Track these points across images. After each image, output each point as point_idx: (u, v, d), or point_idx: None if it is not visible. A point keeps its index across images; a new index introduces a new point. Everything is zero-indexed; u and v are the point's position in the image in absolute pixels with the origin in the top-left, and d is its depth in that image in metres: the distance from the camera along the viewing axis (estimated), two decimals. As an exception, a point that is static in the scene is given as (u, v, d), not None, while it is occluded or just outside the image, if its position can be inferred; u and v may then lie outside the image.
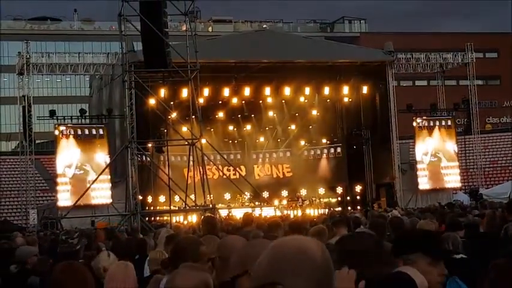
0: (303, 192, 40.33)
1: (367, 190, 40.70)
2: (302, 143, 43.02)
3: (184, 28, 33.91)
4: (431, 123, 38.58)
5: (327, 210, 34.44)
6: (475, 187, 40.10)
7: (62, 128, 33.73)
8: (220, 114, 40.11)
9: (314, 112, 41.50)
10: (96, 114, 36.59)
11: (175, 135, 31.31)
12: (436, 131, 38.46)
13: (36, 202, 37.01)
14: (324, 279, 2.13)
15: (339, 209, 36.63)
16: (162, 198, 34.76)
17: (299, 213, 34.30)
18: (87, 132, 33.93)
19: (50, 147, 41.61)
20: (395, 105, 37.88)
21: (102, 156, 33.40)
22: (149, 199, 34.98)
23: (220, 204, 33.91)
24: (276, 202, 37.20)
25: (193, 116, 28.37)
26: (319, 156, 43.16)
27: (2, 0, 64.74)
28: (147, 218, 28.57)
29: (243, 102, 39.73)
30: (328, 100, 40.91)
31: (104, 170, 30.75)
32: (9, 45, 59.69)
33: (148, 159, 33.92)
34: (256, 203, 33.49)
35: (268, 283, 2.10)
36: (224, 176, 34.25)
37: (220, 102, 38.88)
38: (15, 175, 42.17)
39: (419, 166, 38.09)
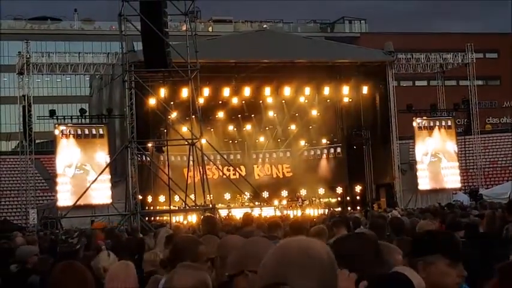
0: (303, 192, 40.33)
1: (367, 190, 40.70)
2: (302, 143, 43.02)
3: (184, 28, 33.90)
4: (431, 124, 38.58)
5: (326, 210, 34.47)
6: (475, 187, 40.10)
7: (62, 127, 33.73)
8: (220, 114, 40.11)
9: (314, 112, 41.49)
10: (96, 114, 36.59)
11: (175, 135, 31.29)
12: (436, 131, 38.45)
13: (36, 202, 37.01)
14: (329, 279, 2.15)
15: (339, 209, 36.67)
16: (162, 198, 34.76)
17: (299, 213, 34.30)
18: (87, 132, 33.93)
19: (50, 147, 41.60)
20: (396, 106, 37.88)
21: (102, 156, 33.40)
22: (149, 199, 34.97)
23: (220, 204, 33.89)
24: (276, 202, 37.17)
25: (193, 116, 28.37)
26: (319, 156, 43.17)
27: (2, 0, 64.82)
28: (147, 218, 28.55)
29: (243, 102, 39.73)
30: (328, 100, 40.91)
31: (103, 170, 30.73)
32: (9, 45, 59.68)
33: (148, 159, 33.91)
34: (256, 203, 33.46)
35: (275, 283, 2.11)
36: (224, 176, 34.24)
37: (220, 102, 38.87)
38: (15, 175, 42.19)
39: (419, 166, 38.09)
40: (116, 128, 35.30)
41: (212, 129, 39.69)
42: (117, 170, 33.37)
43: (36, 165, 39.81)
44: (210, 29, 66.60)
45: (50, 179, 38.92)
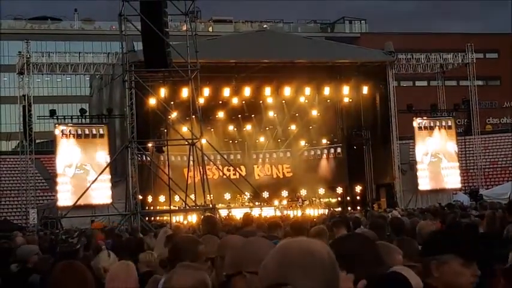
0: (303, 192, 40.33)
1: (367, 190, 40.70)
2: (302, 143, 43.03)
3: (184, 28, 33.90)
4: (432, 124, 38.57)
5: (326, 210, 34.46)
6: (475, 188, 40.09)
7: (62, 127, 33.73)
8: (221, 114, 40.10)
9: (314, 112, 41.48)
10: (96, 114, 36.59)
11: (176, 135, 31.29)
12: (436, 131, 38.45)
13: (36, 202, 37.00)
14: (331, 279, 2.16)
15: (339, 209, 36.68)
16: (162, 198, 34.76)
17: (299, 213, 34.30)
18: (87, 131, 33.92)
19: (50, 146, 41.58)
20: (396, 106, 37.88)
21: (102, 156, 33.39)
22: (149, 199, 34.97)
23: (220, 204, 33.90)
24: (276, 202, 37.18)
25: (194, 116, 28.37)
26: (319, 156, 43.17)
27: (3, 0, 64.83)
28: (147, 218, 28.55)
29: (243, 102, 39.73)
30: (328, 100, 40.91)
31: (104, 170, 30.73)
32: (9, 45, 59.68)
33: (149, 159, 33.91)
34: (256, 203, 33.46)
35: (277, 284, 2.11)
36: (224, 176, 34.24)
37: (220, 102, 38.87)
38: (15, 175, 42.18)
39: (419, 166, 38.08)
40: (116, 128, 35.30)
41: (212, 129, 39.69)
42: (117, 170, 33.37)
43: (36, 165, 39.80)
44: (210, 29, 66.59)
45: (50, 178, 38.92)
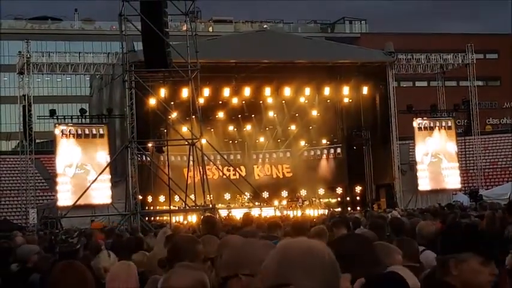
0: (303, 192, 40.34)
1: (367, 191, 40.70)
2: (302, 143, 43.04)
3: (184, 28, 33.89)
4: (432, 124, 38.57)
5: (326, 210, 34.47)
6: (475, 188, 40.06)
7: (62, 127, 33.72)
8: (221, 115, 40.10)
9: (314, 112, 41.49)
10: (96, 114, 36.57)
11: (176, 135, 31.30)
12: (436, 131, 38.45)
13: (36, 201, 36.99)
14: (332, 279, 2.16)
15: (339, 209, 36.67)
16: (162, 198, 34.76)
17: (299, 213, 34.30)
18: (87, 131, 33.92)
19: (50, 146, 41.58)
20: (396, 106, 37.88)
21: (103, 156, 33.38)
22: (149, 199, 34.97)
23: (220, 205, 33.91)
24: (276, 202, 37.20)
25: (194, 116, 28.37)
26: (319, 156, 43.17)
27: (3, 0, 64.85)
28: (147, 218, 28.55)
29: (243, 102, 39.74)
30: (328, 100, 40.91)
31: (103, 170, 30.73)
32: (9, 45, 59.68)
33: (149, 159, 33.91)
34: (256, 204, 33.47)
35: (280, 285, 2.11)
36: (224, 176, 34.24)
37: (220, 102, 38.87)
38: (15, 174, 42.18)
39: (419, 167, 38.08)
40: (116, 128, 35.28)
41: (212, 130, 39.69)
42: (117, 170, 33.35)
43: (36, 165, 39.80)
44: (210, 29, 66.58)
45: (50, 178, 38.91)
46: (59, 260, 6.13)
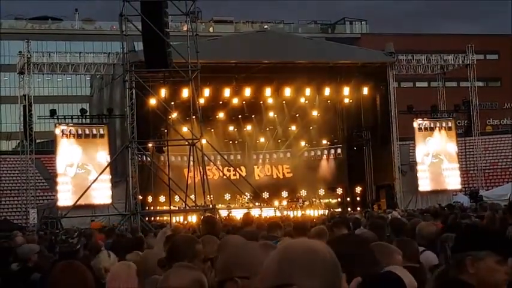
0: (303, 193, 40.34)
1: (367, 191, 40.70)
2: (302, 143, 43.05)
3: (185, 28, 33.88)
4: (432, 125, 38.58)
5: (326, 211, 34.46)
6: (475, 189, 40.02)
7: (63, 127, 33.73)
8: (221, 115, 40.11)
9: (314, 113, 41.50)
10: (96, 114, 36.57)
11: (176, 135, 31.30)
12: (436, 132, 38.46)
13: (36, 201, 36.99)
14: (333, 279, 2.16)
15: (339, 210, 36.66)
16: (162, 198, 34.77)
17: (299, 214, 34.29)
18: (87, 131, 33.93)
19: (50, 146, 41.58)
20: (396, 107, 37.88)
21: (103, 156, 33.38)
22: (149, 199, 34.97)
23: (220, 205, 33.90)
24: (276, 203, 37.19)
25: (194, 116, 28.35)
26: (320, 157, 43.19)
27: (3, 0, 64.84)
28: (147, 218, 28.55)
29: (244, 102, 39.74)
30: (328, 101, 40.91)
31: (104, 170, 30.73)
32: (10, 45, 59.70)
33: (149, 159, 33.90)
34: (256, 204, 33.47)
35: (280, 284, 2.10)
36: (224, 177, 34.23)
37: (220, 102, 38.88)
38: (16, 174, 42.16)
39: (419, 167, 38.08)
40: (116, 128, 35.28)
41: (212, 130, 39.70)
42: (117, 170, 33.34)
43: (37, 165, 39.80)
44: (210, 29, 66.57)
45: (50, 178, 38.91)
46: (59, 260, 6.14)
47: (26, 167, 37.54)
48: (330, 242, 3.41)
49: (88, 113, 37.09)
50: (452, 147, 38.81)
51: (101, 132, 33.99)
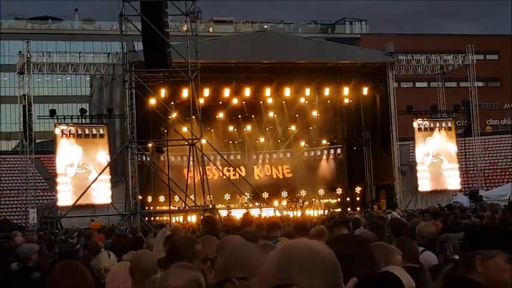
0: (303, 193, 40.34)
1: (367, 191, 40.70)
2: (302, 143, 43.05)
3: (185, 28, 33.87)
4: (432, 125, 38.57)
5: (326, 211, 34.46)
6: (475, 189, 40.03)
7: (63, 127, 33.72)
8: (221, 115, 40.12)
9: (314, 113, 41.50)
10: (96, 114, 36.57)
11: (176, 135, 31.29)
12: (436, 132, 38.45)
13: (36, 201, 36.98)
14: (334, 279, 2.16)
15: (339, 210, 36.66)
16: (162, 198, 34.77)
17: (299, 214, 34.28)
18: (87, 131, 33.92)
19: (50, 146, 41.57)
20: (396, 107, 37.87)
21: (103, 156, 33.37)
22: (149, 199, 34.97)
23: (220, 205, 33.90)
24: (276, 203, 37.19)
25: (194, 116, 28.35)
26: (319, 157, 43.19)
27: (3, 0, 64.84)
28: (146, 218, 28.54)
29: (244, 102, 39.73)
30: (328, 101, 40.91)
31: (103, 170, 30.72)
32: (10, 45, 59.69)
33: (149, 159, 33.90)
34: (256, 204, 33.47)
35: (280, 285, 2.10)
36: (224, 177, 34.23)
37: (220, 102, 38.87)
38: (15, 174, 42.17)
39: (419, 167, 38.07)
40: (116, 128, 35.27)
41: (212, 130, 39.70)
42: (117, 170, 33.33)
43: (36, 165, 39.80)
44: (210, 29, 66.57)
45: (50, 178, 38.91)
46: (58, 260, 6.14)
47: (25, 167, 37.54)
48: (330, 242, 3.41)
49: (88, 113, 37.08)
50: (452, 147, 38.81)
51: (101, 132, 33.99)
